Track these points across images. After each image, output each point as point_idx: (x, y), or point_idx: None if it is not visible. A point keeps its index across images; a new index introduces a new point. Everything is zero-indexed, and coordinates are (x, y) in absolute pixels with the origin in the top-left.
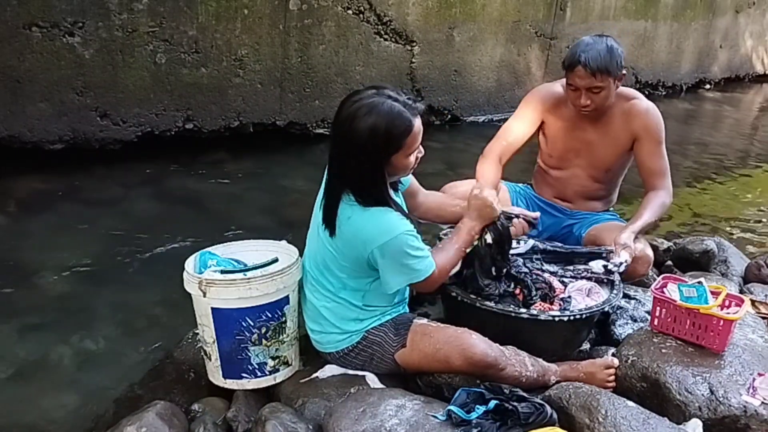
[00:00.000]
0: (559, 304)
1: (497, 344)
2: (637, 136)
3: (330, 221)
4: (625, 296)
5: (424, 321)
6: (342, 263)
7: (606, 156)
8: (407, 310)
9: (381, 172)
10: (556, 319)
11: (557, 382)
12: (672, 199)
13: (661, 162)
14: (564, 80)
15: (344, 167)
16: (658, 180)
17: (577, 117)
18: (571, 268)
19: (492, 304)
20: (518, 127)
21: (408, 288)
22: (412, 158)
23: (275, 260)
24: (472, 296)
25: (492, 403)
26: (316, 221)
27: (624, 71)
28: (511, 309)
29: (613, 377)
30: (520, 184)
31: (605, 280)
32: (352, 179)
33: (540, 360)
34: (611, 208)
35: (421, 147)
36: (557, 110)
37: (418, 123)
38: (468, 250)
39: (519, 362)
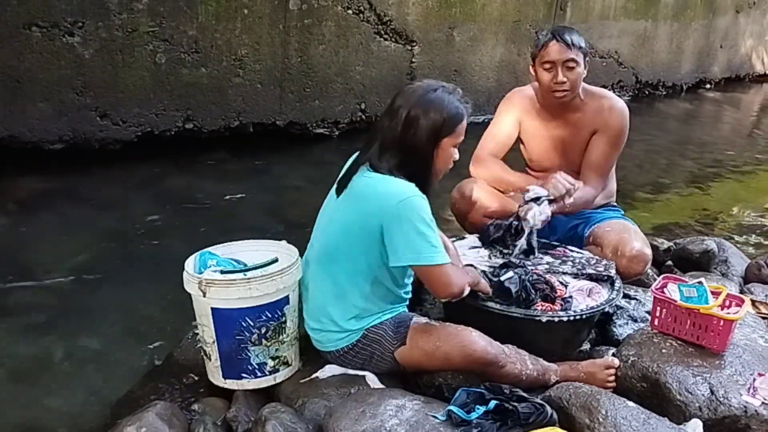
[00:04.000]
0: (561, 304)
1: (498, 342)
2: (596, 130)
3: (343, 186)
4: (625, 296)
5: (424, 319)
6: (354, 241)
7: (581, 152)
8: (407, 311)
9: (432, 152)
10: (556, 319)
11: (557, 381)
12: (596, 198)
13: (605, 162)
14: (534, 84)
15: (396, 145)
16: (590, 175)
17: (552, 116)
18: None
19: (492, 304)
20: (501, 131)
21: (410, 286)
22: (454, 153)
23: (275, 260)
24: (473, 297)
25: (492, 403)
26: (329, 206)
27: (588, 56)
28: (511, 309)
29: (613, 377)
30: None
31: (605, 278)
32: (401, 157)
33: (540, 360)
34: (613, 202)
35: (457, 150)
36: (531, 112)
37: (466, 118)
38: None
39: (519, 360)
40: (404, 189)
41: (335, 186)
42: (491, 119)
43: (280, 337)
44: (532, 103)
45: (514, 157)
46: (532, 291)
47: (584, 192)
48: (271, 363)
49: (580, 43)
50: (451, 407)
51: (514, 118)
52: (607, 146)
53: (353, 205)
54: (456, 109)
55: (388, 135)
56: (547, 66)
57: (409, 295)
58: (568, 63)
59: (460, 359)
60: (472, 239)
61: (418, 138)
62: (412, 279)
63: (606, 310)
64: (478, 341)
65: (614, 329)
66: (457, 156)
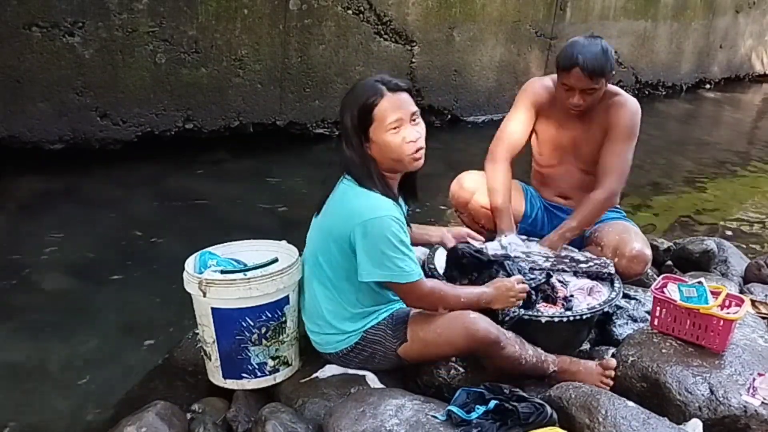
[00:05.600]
0: (562, 304)
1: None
2: (608, 129)
3: (322, 201)
4: (625, 296)
5: (420, 310)
6: (331, 249)
7: (592, 151)
8: (404, 305)
9: (363, 149)
10: (556, 319)
11: (555, 372)
12: (612, 199)
13: (617, 161)
14: (553, 76)
15: (340, 149)
16: (605, 177)
17: (565, 115)
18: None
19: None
20: (518, 125)
21: None
22: (398, 137)
23: (275, 260)
24: None
25: (492, 403)
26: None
27: (614, 71)
28: (513, 310)
29: (610, 377)
30: (531, 187)
31: (605, 276)
32: (346, 159)
33: (538, 349)
34: (616, 204)
35: (415, 130)
36: (547, 108)
37: (391, 96)
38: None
39: (519, 344)
40: (374, 207)
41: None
42: (491, 119)
43: (280, 336)
44: (547, 100)
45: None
46: (533, 293)
47: (591, 202)
48: (271, 363)
49: (604, 69)
50: (451, 407)
51: (529, 112)
52: (619, 144)
53: (330, 214)
54: (364, 95)
55: (341, 151)
56: (566, 87)
57: None
58: (588, 90)
59: (463, 341)
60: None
61: (350, 143)
62: None
63: (606, 310)
64: (479, 321)
65: (614, 329)
66: (414, 135)
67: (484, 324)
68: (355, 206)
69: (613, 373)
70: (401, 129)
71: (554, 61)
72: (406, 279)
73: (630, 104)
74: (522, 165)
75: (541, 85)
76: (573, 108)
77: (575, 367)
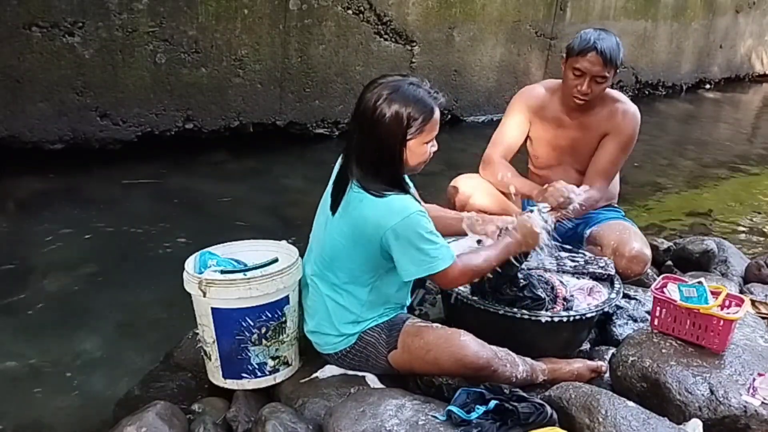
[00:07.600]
0: (562, 304)
1: (491, 345)
2: (606, 133)
3: (336, 204)
4: (625, 296)
5: (417, 321)
6: (352, 253)
7: (589, 153)
8: (405, 312)
9: (400, 154)
10: (556, 319)
11: (544, 380)
12: (599, 201)
13: (612, 166)
14: (545, 81)
15: (364, 147)
16: (597, 178)
17: (561, 116)
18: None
19: (495, 305)
20: (512, 131)
21: (410, 290)
22: (428, 149)
23: (275, 260)
24: (473, 297)
25: (492, 403)
26: (324, 215)
27: (618, 69)
28: (512, 310)
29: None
30: None
31: (605, 277)
32: (371, 160)
33: (527, 359)
34: (615, 204)
35: (435, 141)
36: (542, 112)
37: (437, 112)
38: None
39: (510, 363)
40: (398, 209)
41: (329, 199)
42: (491, 119)
43: (280, 337)
44: (542, 103)
45: (520, 151)
46: (533, 292)
47: (589, 196)
48: (271, 363)
49: (617, 60)
50: (451, 407)
51: (524, 118)
52: (616, 150)
53: (349, 223)
54: (422, 107)
55: (358, 146)
56: (577, 73)
57: (409, 300)
58: (598, 77)
59: (450, 364)
60: (471, 240)
61: (383, 147)
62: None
63: (606, 310)
64: (468, 346)
65: (614, 329)
66: (434, 148)
67: (473, 349)
68: (380, 214)
69: (602, 370)
70: (431, 142)
71: (556, 61)
72: (441, 266)
73: (634, 113)
74: (518, 167)
75: (534, 91)
76: (579, 97)
77: (566, 375)
